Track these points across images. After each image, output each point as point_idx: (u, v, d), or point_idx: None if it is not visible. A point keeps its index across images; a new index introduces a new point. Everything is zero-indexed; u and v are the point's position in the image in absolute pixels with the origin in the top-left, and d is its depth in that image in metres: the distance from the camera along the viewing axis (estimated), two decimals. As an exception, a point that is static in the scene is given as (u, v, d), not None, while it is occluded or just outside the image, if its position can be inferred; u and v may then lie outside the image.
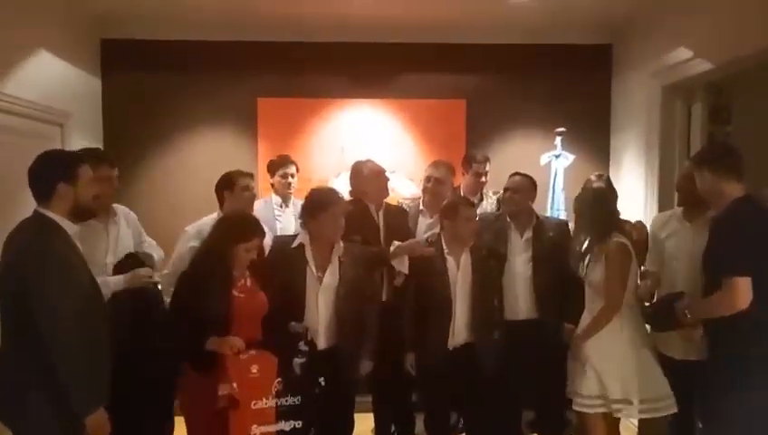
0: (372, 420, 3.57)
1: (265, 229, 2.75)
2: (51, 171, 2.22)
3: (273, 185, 3.93)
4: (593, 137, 4.54)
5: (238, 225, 2.65)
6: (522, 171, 3.39)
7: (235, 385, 2.35)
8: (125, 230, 2.93)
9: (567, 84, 4.54)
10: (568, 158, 4.16)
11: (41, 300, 2.07)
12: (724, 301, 2.28)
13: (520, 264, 3.24)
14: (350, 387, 2.82)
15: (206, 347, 2.42)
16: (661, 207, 3.79)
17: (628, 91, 4.37)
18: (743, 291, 2.23)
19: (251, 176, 3.41)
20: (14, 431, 2.21)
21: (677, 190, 2.95)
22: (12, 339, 2.17)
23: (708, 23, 3.38)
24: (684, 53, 3.57)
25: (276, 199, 3.87)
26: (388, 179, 3.55)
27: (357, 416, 3.20)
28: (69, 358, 2.08)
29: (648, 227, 3.05)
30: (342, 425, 2.98)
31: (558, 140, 4.19)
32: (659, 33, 3.91)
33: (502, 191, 3.43)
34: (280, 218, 3.82)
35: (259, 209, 3.80)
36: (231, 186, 3.29)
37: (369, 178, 3.44)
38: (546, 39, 4.50)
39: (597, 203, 2.88)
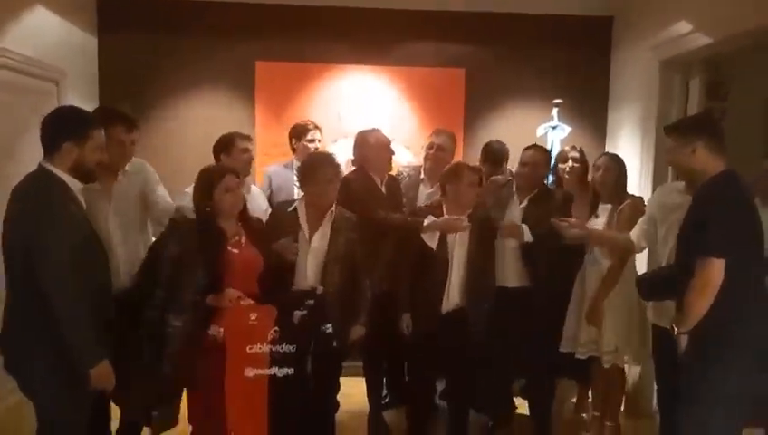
0: (364, 384, 3.59)
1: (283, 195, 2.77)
2: (59, 128, 2.22)
3: (294, 150, 3.87)
4: (591, 110, 4.54)
5: (208, 170, 2.69)
6: (529, 143, 3.43)
7: (221, 329, 2.44)
8: (126, 189, 2.85)
9: (566, 56, 4.52)
10: (564, 129, 4.18)
11: (41, 252, 2.09)
12: (697, 285, 2.16)
13: None
14: (336, 350, 2.83)
15: (207, 303, 2.48)
16: (656, 183, 3.82)
17: (627, 65, 4.36)
18: (716, 274, 2.12)
19: (249, 138, 3.40)
20: (20, 385, 2.26)
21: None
22: (17, 292, 2.20)
23: (709, -4, 3.38)
24: (683, 27, 3.56)
25: (297, 164, 3.81)
26: (393, 152, 3.53)
27: (350, 380, 3.26)
28: (70, 310, 2.11)
29: (653, 198, 3.07)
30: (330, 386, 3.01)
31: (555, 111, 4.20)
32: (661, 5, 3.89)
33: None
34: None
35: (278, 173, 3.84)
36: (229, 148, 3.28)
37: (374, 148, 3.43)
38: (547, 9, 4.47)
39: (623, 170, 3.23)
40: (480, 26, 4.52)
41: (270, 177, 3.86)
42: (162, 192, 3.01)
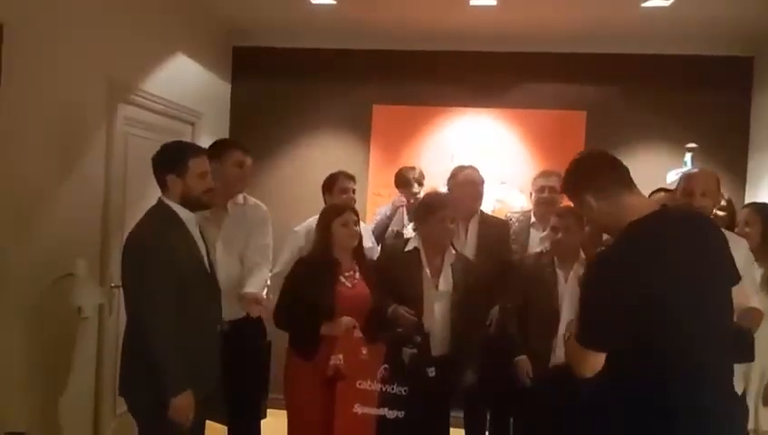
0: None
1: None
2: (162, 163, 2.35)
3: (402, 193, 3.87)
4: (729, 155, 4.18)
5: (331, 206, 2.87)
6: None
7: (341, 356, 2.44)
8: (239, 220, 2.98)
9: (699, 97, 4.23)
10: (698, 175, 3.84)
11: (138, 283, 2.20)
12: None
13: None
14: (453, 396, 2.78)
15: (322, 332, 2.53)
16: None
17: (772, 107, 3.99)
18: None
19: (351, 178, 3.44)
20: (127, 406, 2.35)
21: None
22: (128, 319, 2.32)
23: None
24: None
25: (405, 214, 3.81)
26: (481, 192, 3.41)
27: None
28: (159, 339, 2.16)
29: None
30: (443, 430, 2.93)
31: (688, 156, 3.88)
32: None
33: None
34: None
35: (383, 217, 3.83)
36: (331, 187, 3.36)
37: (461, 184, 3.35)
38: (679, 50, 4.22)
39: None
40: (603, 68, 4.35)
41: (379, 216, 3.89)
42: (258, 243, 3.03)
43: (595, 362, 1.70)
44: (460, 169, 3.44)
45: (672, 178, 3.91)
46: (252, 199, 3.13)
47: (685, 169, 3.87)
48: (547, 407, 2.86)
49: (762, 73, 4.16)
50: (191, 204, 2.36)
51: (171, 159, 2.34)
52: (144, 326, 2.19)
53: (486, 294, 3.11)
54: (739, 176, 4.21)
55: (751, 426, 2.85)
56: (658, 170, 3.98)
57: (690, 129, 4.12)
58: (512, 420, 3.30)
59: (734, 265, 1.84)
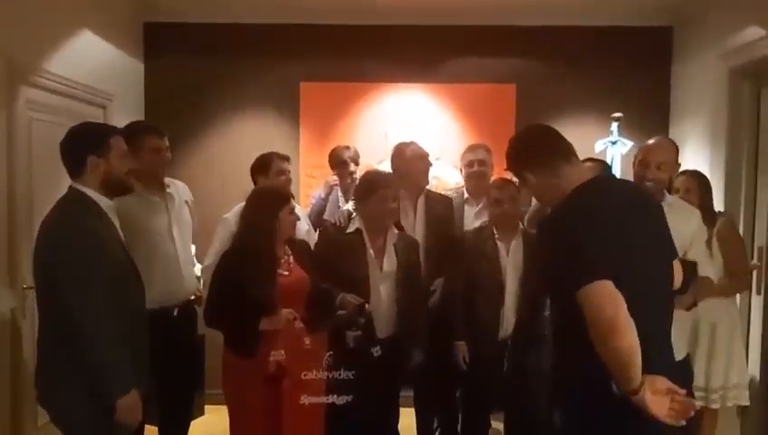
0: (413, 415, 3.41)
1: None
2: (80, 144, 2.14)
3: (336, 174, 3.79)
4: (652, 123, 4.29)
5: (274, 191, 2.67)
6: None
7: (282, 352, 2.33)
8: (181, 203, 2.95)
9: (623, 68, 4.32)
10: (626, 144, 3.94)
11: (68, 277, 1.99)
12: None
13: None
14: (402, 377, 2.75)
15: (261, 328, 2.37)
16: (727, 198, 3.55)
17: (691, 76, 4.12)
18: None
19: (287, 159, 3.31)
20: (52, 417, 2.15)
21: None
22: (46, 321, 2.11)
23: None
24: (755, 32, 3.33)
25: (340, 194, 3.72)
26: (430, 165, 3.37)
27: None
28: (97, 335, 1.99)
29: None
30: (393, 412, 2.89)
31: (614, 126, 3.98)
32: (727, 12, 3.66)
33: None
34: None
35: (318, 200, 3.75)
36: (267, 169, 3.21)
37: (410, 160, 3.27)
38: (601, 21, 4.28)
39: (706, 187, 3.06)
40: (531, 40, 4.36)
41: (315, 201, 3.80)
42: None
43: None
44: (405, 145, 3.35)
45: (600, 147, 4.01)
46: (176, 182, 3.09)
47: (611, 139, 3.98)
48: (494, 380, 2.87)
49: (680, 43, 4.29)
50: (114, 187, 2.18)
51: (91, 139, 2.14)
52: (78, 326, 1.99)
53: (434, 273, 3.08)
54: (661, 143, 4.34)
55: (702, 384, 2.96)
56: (587, 141, 4.05)
57: (615, 99, 4.21)
58: (458, 394, 3.29)
59: (672, 240, 1.87)
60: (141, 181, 2.70)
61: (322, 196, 3.74)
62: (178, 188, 3.02)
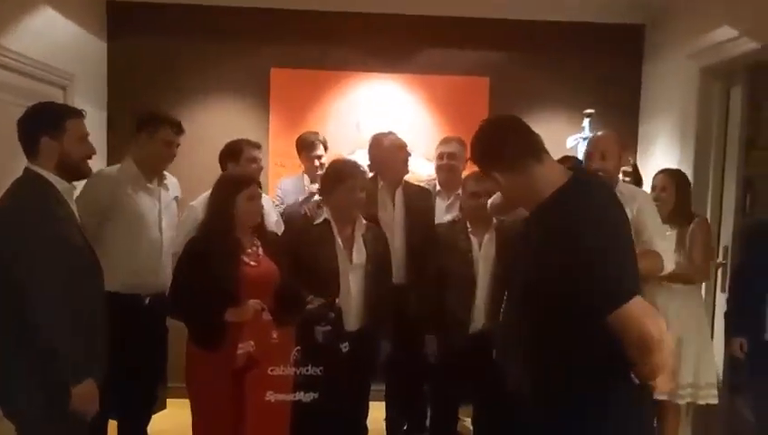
0: (383, 409, 3.39)
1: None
2: (35, 124, 2.04)
3: (304, 162, 3.68)
4: (622, 121, 4.32)
5: (234, 175, 2.63)
6: (558, 155, 3.16)
7: (252, 343, 2.25)
8: (169, 193, 2.98)
9: (596, 65, 4.33)
10: (596, 141, 3.95)
11: (21, 259, 1.90)
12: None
13: None
14: (372, 370, 2.72)
15: (227, 319, 2.28)
16: (695, 196, 3.58)
17: (661, 75, 4.16)
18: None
19: (258, 147, 3.23)
20: (3, 412, 2.05)
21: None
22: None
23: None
24: (726, 33, 3.36)
25: (307, 180, 3.62)
26: (409, 154, 3.34)
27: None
28: (50, 323, 1.90)
29: None
30: (361, 407, 2.86)
31: (586, 121, 3.99)
32: (699, 12, 3.70)
33: None
34: None
35: (287, 189, 3.64)
36: (236, 156, 3.13)
37: (389, 150, 3.22)
38: (575, 17, 4.28)
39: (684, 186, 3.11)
40: (505, 33, 4.34)
41: (282, 190, 3.69)
42: None
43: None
44: (383, 135, 3.30)
45: (571, 143, 4.01)
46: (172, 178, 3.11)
47: (583, 135, 3.99)
48: (465, 374, 2.85)
49: (652, 42, 4.33)
50: (69, 171, 2.08)
51: (45, 119, 2.04)
52: (32, 313, 1.89)
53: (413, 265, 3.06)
54: (631, 141, 4.37)
55: (691, 380, 2.98)
56: (559, 136, 4.05)
57: (587, 95, 4.22)
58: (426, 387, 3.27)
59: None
60: (143, 169, 2.81)
61: (300, 200, 3.56)
62: (172, 183, 3.05)
